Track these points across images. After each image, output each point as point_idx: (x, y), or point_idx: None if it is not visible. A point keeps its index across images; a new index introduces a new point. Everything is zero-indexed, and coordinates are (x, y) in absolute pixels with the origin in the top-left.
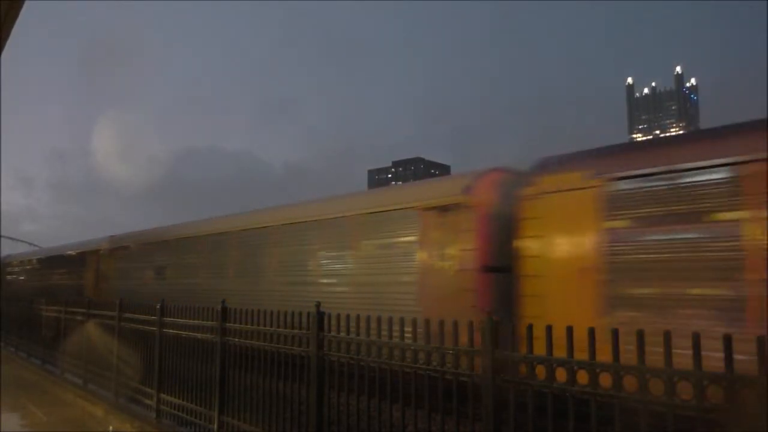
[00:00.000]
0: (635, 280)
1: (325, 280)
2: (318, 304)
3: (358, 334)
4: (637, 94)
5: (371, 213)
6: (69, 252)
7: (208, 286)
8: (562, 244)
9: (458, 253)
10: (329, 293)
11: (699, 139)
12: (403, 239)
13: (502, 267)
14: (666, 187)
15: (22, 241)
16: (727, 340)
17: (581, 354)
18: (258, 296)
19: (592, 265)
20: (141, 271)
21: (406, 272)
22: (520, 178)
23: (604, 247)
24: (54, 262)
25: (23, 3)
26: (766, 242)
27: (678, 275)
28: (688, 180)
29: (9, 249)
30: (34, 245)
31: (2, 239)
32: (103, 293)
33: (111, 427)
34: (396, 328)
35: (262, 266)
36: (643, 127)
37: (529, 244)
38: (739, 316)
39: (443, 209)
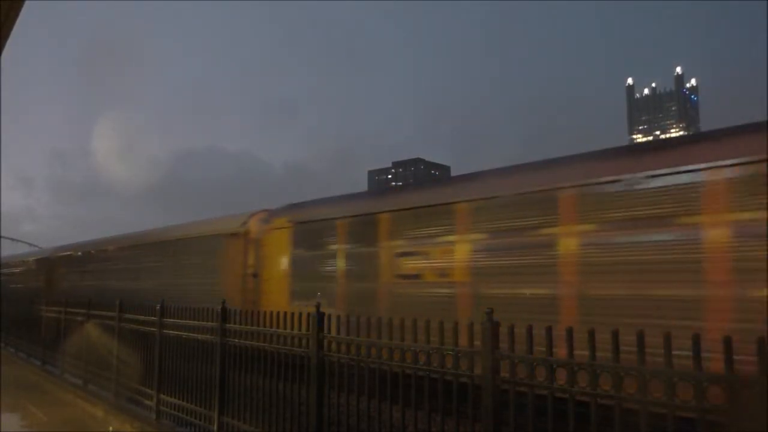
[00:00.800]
0: (301, 281)
1: (167, 281)
2: (318, 305)
3: (358, 335)
4: (637, 95)
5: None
6: (27, 259)
7: (112, 286)
8: (276, 260)
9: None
10: (167, 290)
11: (333, 202)
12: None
13: (256, 273)
14: (315, 229)
15: (21, 242)
16: (727, 342)
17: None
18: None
19: (286, 273)
20: (78, 274)
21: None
22: (269, 218)
23: (291, 262)
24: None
25: (23, 3)
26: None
27: (319, 275)
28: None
29: (9, 250)
30: (34, 246)
31: (2, 240)
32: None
33: (111, 428)
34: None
35: (138, 273)
36: (643, 128)
37: (263, 260)
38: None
39: (233, 236)
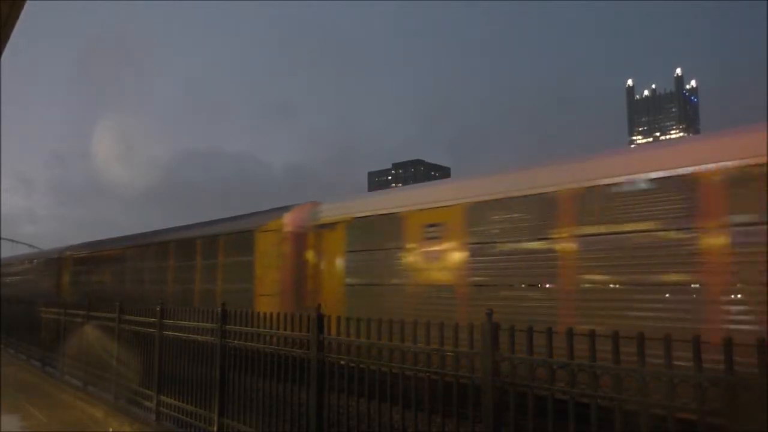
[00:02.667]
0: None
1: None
2: (318, 306)
3: (358, 337)
4: (637, 96)
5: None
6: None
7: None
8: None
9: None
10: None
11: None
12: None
13: None
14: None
15: (22, 243)
16: (728, 343)
17: None
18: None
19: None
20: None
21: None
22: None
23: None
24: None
25: (24, 3)
26: None
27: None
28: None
29: (9, 251)
30: (34, 247)
31: (2, 241)
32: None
33: (111, 429)
34: (396, 330)
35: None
36: (644, 129)
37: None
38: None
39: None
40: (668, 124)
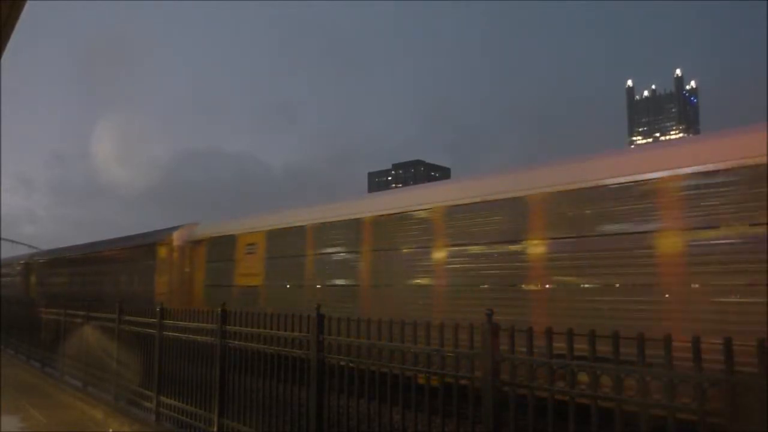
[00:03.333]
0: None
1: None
2: (318, 307)
3: (358, 337)
4: (637, 97)
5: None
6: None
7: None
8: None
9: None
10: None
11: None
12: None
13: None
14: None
15: (22, 244)
16: (728, 343)
17: None
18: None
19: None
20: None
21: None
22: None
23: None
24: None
25: (24, 3)
26: None
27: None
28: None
29: (9, 251)
30: (34, 248)
31: (2, 242)
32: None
33: (110, 430)
34: (396, 330)
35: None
36: (643, 130)
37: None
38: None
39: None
40: (668, 124)
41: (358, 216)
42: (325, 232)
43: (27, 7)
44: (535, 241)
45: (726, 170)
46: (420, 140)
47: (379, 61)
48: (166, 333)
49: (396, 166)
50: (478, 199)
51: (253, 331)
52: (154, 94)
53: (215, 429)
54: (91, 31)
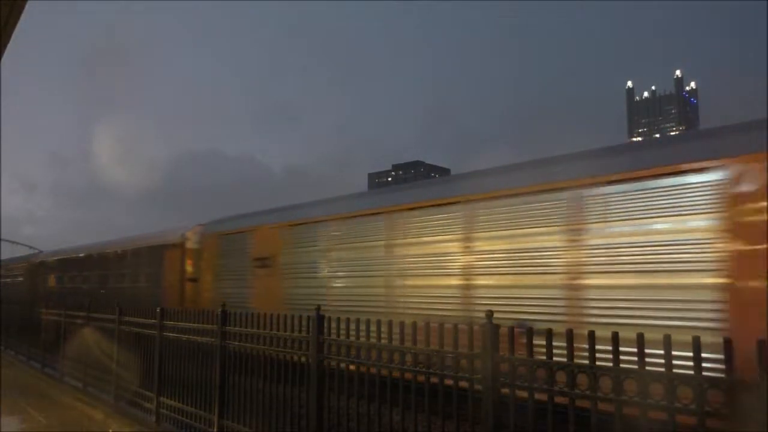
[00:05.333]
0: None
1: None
2: (318, 308)
3: (358, 338)
4: (637, 98)
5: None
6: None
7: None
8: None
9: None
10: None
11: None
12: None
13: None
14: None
15: (22, 245)
16: (728, 344)
17: None
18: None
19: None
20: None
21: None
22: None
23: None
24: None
25: (25, 4)
26: None
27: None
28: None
29: (9, 252)
30: (34, 248)
31: (2, 242)
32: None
33: (111, 431)
34: (396, 331)
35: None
36: (643, 131)
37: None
38: None
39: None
40: (668, 125)
41: None
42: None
43: (27, 8)
44: None
45: None
46: (420, 141)
47: (380, 62)
48: (166, 334)
49: (396, 167)
50: None
51: (253, 332)
52: (155, 95)
53: (215, 430)
54: (92, 32)
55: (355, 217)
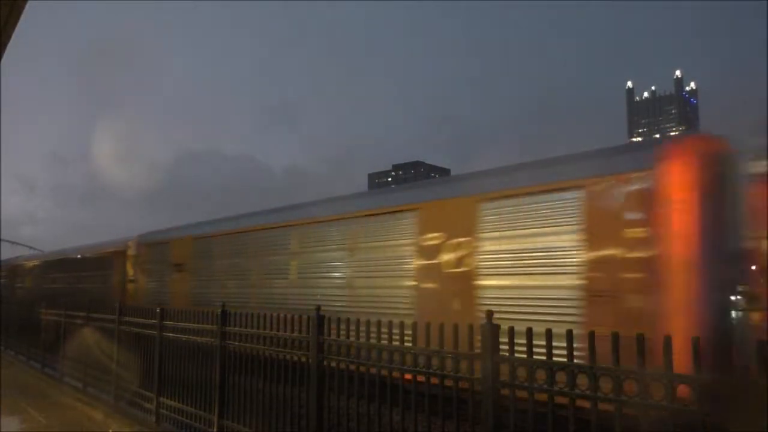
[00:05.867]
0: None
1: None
2: (318, 308)
3: (358, 338)
4: (637, 98)
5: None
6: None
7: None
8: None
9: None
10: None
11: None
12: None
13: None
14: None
15: (22, 245)
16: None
17: None
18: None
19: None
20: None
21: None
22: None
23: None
24: None
25: (25, 4)
26: None
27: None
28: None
29: (9, 252)
30: (35, 249)
31: (2, 243)
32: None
33: (111, 431)
34: (396, 331)
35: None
36: (643, 131)
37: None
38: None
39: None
40: (668, 125)
41: None
42: None
43: (27, 8)
44: None
45: None
46: (420, 141)
47: (380, 62)
48: (166, 334)
49: (396, 167)
50: None
51: (253, 332)
52: (155, 95)
53: (215, 430)
54: (92, 32)
55: (231, 234)
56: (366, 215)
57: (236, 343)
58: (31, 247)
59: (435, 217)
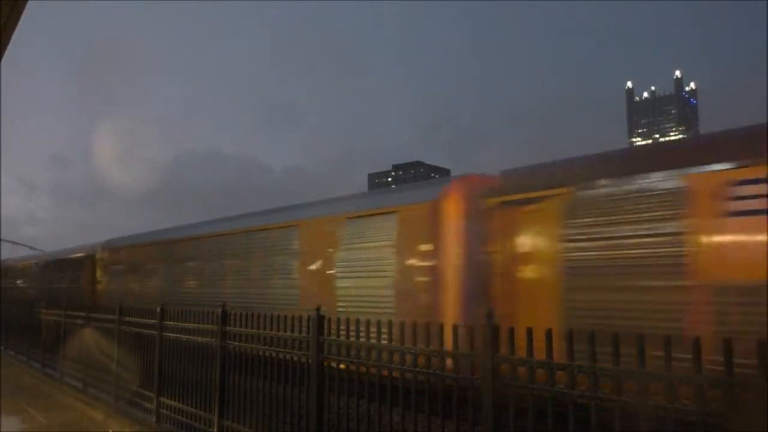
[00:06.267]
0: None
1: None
2: (318, 308)
3: (358, 338)
4: (637, 98)
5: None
6: None
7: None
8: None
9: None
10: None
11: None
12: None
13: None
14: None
15: (22, 245)
16: (728, 344)
17: None
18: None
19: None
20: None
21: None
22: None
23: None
24: None
25: (25, 4)
26: None
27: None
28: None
29: (9, 252)
30: (35, 249)
31: (2, 243)
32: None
33: (111, 431)
34: (395, 331)
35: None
36: (643, 131)
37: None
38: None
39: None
40: (667, 126)
41: None
42: None
43: (27, 8)
44: None
45: None
46: (420, 142)
47: (380, 63)
48: (166, 334)
49: (396, 167)
50: None
51: (253, 332)
52: (154, 96)
53: (215, 430)
54: (92, 33)
55: (160, 243)
56: (264, 229)
57: (236, 343)
58: (31, 247)
59: (312, 232)
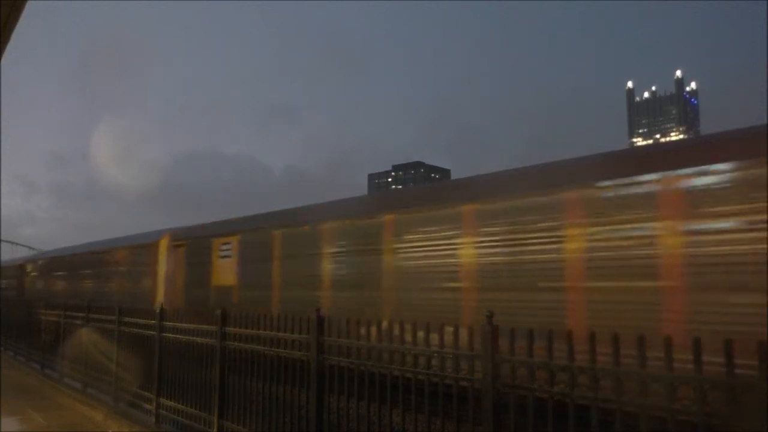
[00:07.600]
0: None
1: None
2: (318, 309)
3: (358, 339)
4: (638, 98)
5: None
6: None
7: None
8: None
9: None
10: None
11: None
12: None
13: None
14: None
15: (21, 245)
16: (728, 344)
17: None
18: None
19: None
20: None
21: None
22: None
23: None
24: None
25: (25, 4)
26: None
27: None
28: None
29: (8, 253)
30: (34, 249)
31: (2, 243)
32: None
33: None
34: (396, 332)
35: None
36: (644, 132)
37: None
38: None
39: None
40: (668, 126)
41: None
42: None
43: (27, 8)
44: None
45: None
46: (420, 142)
47: (380, 63)
48: (166, 335)
49: (396, 168)
50: None
51: (253, 333)
52: (154, 96)
53: (215, 431)
54: (91, 33)
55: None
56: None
57: (236, 344)
58: (30, 248)
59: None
